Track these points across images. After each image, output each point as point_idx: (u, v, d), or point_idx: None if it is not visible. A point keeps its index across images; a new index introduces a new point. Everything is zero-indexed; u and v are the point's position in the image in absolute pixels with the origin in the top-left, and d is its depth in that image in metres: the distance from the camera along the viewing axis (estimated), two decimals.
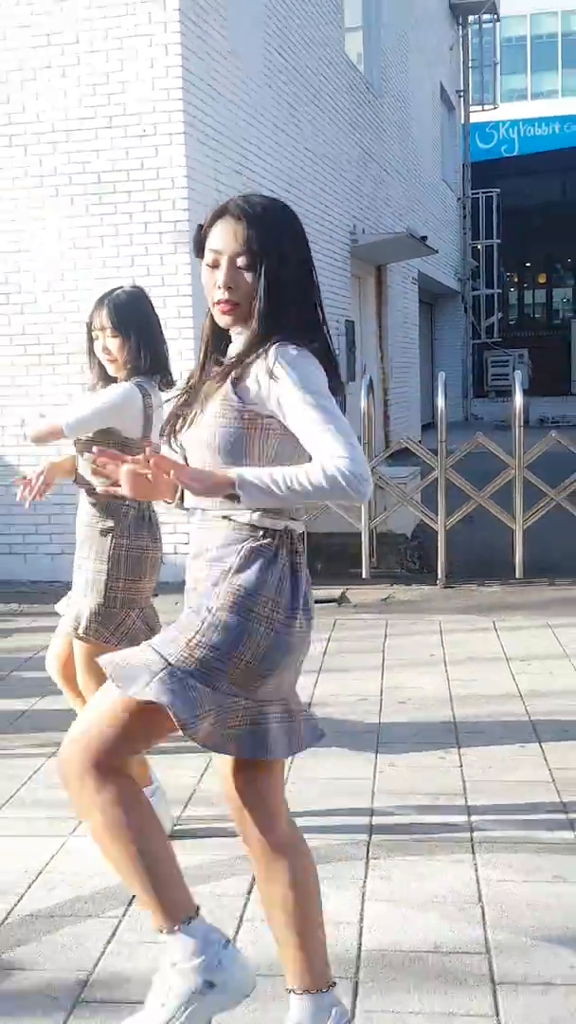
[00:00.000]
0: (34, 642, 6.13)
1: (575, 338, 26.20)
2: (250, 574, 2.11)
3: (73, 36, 7.51)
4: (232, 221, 2.13)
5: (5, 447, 7.86)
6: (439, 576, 7.45)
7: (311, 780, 3.89)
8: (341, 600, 7.07)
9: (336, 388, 2.17)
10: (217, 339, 2.27)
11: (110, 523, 3.45)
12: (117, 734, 2.10)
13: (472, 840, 3.46)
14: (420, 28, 18.08)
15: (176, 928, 2.13)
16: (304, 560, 2.23)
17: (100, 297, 3.50)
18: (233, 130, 8.48)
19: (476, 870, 3.24)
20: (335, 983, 2.28)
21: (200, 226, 2.19)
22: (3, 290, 7.80)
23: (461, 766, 4.12)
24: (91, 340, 3.51)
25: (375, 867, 3.28)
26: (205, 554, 2.18)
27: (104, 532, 3.44)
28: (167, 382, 3.55)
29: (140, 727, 2.12)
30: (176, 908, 2.14)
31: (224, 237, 2.13)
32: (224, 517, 2.15)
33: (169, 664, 2.07)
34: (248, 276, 2.12)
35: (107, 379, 3.53)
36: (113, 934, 2.91)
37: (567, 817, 3.62)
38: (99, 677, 3.44)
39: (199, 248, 2.19)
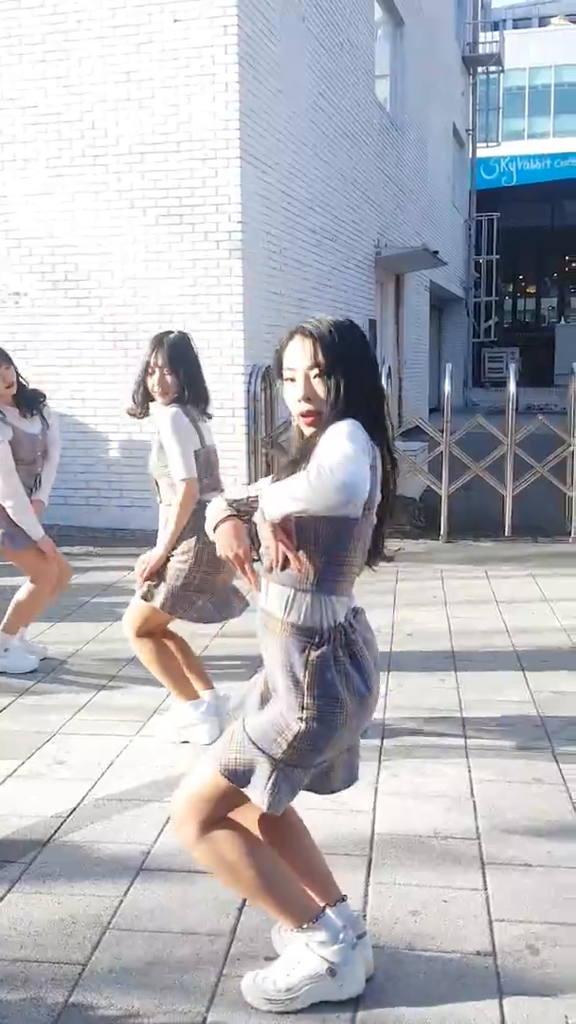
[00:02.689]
0: (105, 579, 6.14)
1: (559, 339, 25.76)
2: (322, 688, 1.95)
3: (149, 74, 7.37)
4: (302, 339, 1.97)
5: (87, 418, 7.83)
6: (442, 532, 7.38)
7: None
8: None
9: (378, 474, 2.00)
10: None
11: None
12: (217, 806, 2.02)
13: (466, 747, 3.42)
14: (437, 76, 17.69)
15: (306, 925, 2.05)
16: (359, 638, 2.04)
17: (157, 338, 3.44)
18: (280, 157, 8.33)
19: (469, 771, 3.21)
20: (344, 897, 2.15)
21: (277, 349, 2.04)
22: (86, 285, 7.73)
23: (458, 687, 4.08)
24: (147, 373, 3.42)
25: (386, 767, 3.25)
26: (273, 658, 2.02)
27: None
28: (205, 411, 3.51)
29: (237, 800, 2.04)
30: (302, 911, 2.06)
31: (297, 355, 1.97)
32: (276, 618, 1.99)
33: (275, 761, 1.96)
34: (321, 386, 1.95)
35: (146, 406, 3.47)
36: (169, 816, 2.90)
37: (544, 731, 3.58)
38: (148, 639, 3.44)
39: (279, 369, 2.03)
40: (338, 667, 1.97)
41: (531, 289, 33.10)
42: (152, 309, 7.57)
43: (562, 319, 30.47)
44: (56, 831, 2.81)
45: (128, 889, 2.50)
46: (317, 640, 1.97)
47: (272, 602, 2.01)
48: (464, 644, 4.70)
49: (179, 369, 3.39)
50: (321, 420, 1.97)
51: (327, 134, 9.95)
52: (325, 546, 1.96)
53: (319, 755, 1.99)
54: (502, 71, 24.23)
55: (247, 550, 2.01)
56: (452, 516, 7.44)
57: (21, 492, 4.13)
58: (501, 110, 26.38)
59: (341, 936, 2.06)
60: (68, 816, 2.90)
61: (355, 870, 2.57)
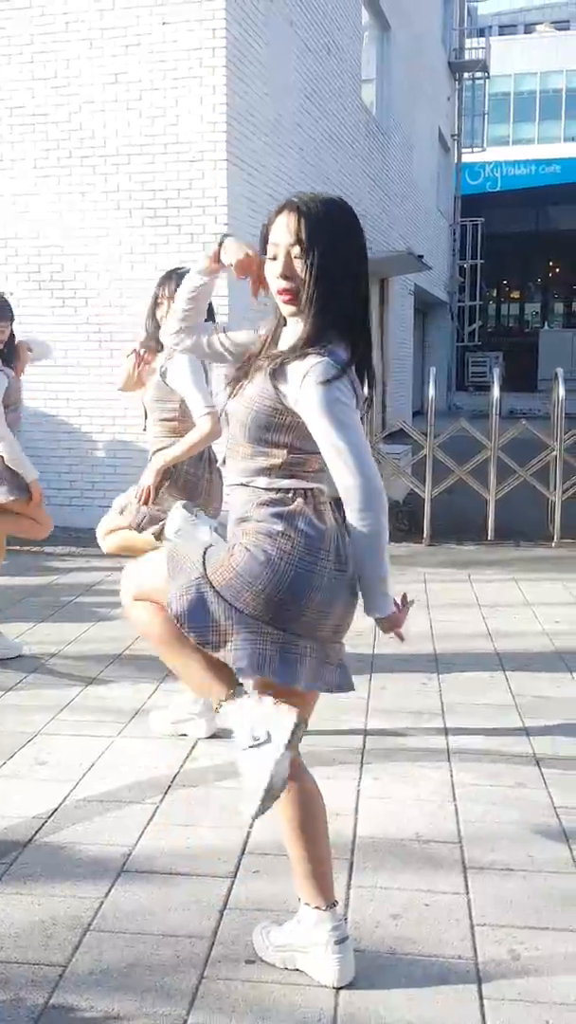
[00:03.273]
0: (88, 579, 6.11)
1: (542, 344, 25.90)
2: (272, 512, 1.95)
3: (137, 76, 7.36)
4: (288, 215, 1.93)
5: (71, 418, 7.80)
6: (425, 536, 7.40)
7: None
8: None
9: (362, 401, 2.00)
10: (283, 323, 2.08)
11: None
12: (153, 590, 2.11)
13: (448, 751, 3.43)
14: (423, 81, 17.74)
15: (231, 692, 2.04)
16: (333, 516, 1.99)
17: (168, 272, 3.57)
18: (266, 159, 8.33)
19: (451, 775, 3.22)
20: (336, 902, 2.15)
21: (264, 225, 2.01)
22: (72, 286, 7.71)
23: (440, 690, 4.09)
24: (155, 305, 3.56)
25: (368, 770, 3.25)
26: (234, 514, 2.04)
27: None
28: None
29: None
30: (226, 680, 2.05)
31: (281, 230, 1.93)
32: (243, 484, 2.01)
33: (201, 576, 1.95)
34: (303, 265, 1.92)
35: (156, 337, 3.50)
36: (151, 817, 2.89)
37: (526, 735, 3.59)
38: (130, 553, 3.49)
39: (263, 245, 1.99)
40: (296, 513, 1.94)
41: (515, 294, 33.27)
42: (138, 310, 7.53)
43: (546, 324, 30.63)
44: (37, 832, 2.79)
45: (109, 891, 2.49)
46: (292, 495, 1.97)
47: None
48: (447, 647, 4.71)
49: None
50: (299, 301, 1.95)
51: (313, 137, 9.96)
52: (294, 446, 1.99)
53: (243, 588, 1.91)
54: (488, 77, 24.40)
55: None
56: (435, 520, 7.46)
57: (12, 436, 4.23)
58: (486, 116, 26.52)
59: (330, 928, 2.09)
60: (49, 817, 2.88)
61: (336, 873, 2.55)
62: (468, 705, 3.91)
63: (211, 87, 7.23)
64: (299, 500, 1.97)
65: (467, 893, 2.50)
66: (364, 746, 3.45)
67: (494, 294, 32.22)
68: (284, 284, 1.95)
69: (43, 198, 7.68)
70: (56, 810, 2.93)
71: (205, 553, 2.00)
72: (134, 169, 7.47)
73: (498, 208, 26.97)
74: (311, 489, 2.00)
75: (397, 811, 2.95)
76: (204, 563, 1.98)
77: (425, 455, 7.48)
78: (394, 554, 6.99)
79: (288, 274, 1.95)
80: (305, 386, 1.90)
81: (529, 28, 40.99)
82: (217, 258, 2.10)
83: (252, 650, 1.93)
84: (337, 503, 1.99)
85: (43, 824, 2.84)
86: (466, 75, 23.42)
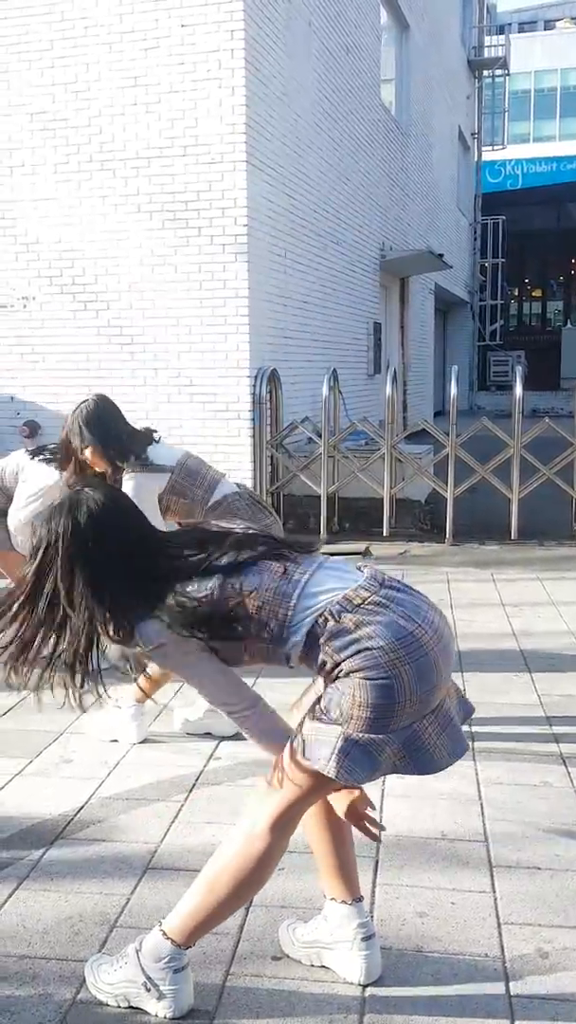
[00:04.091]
0: None
1: (564, 343, 25.72)
2: (351, 653, 1.85)
3: (156, 79, 7.40)
4: None
5: None
6: (447, 535, 7.38)
7: None
8: (366, 553, 7.03)
9: None
10: None
11: None
12: (296, 802, 1.95)
13: (473, 750, 3.42)
14: (443, 80, 17.71)
15: (173, 940, 2.00)
16: (379, 597, 1.90)
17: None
18: (285, 160, 8.36)
19: (477, 774, 3.21)
20: (362, 897, 2.17)
21: None
22: (93, 289, 7.76)
23: (464, 689, 4.07)
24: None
25: None
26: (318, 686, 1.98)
27: None
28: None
29: (315, 788, 1.94)
30: (191, 934, 2.02)
31: None
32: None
33: (342, 733, 1.85)
34: None
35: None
36: (176, 815, 2.91)
37: (552, 733, 3.58)
38: None
39: None
40: (353, 632, 1.85)
41: (537, 292, 33.06)
42: (158, 313, 7.59)
43: (568, 322, 30.43)
44: (63, 830, 2.82)
45: (135, 887, 2.51)
46: (329, 619, 1.88)
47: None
48: (471, 647, 4.70)
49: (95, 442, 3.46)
50: None
51: (332, 138, 9.97)
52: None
53: (387, 720, 1.84)
54: (508, 74, 24.26)
55: None
56: (458, 519, 7.44)
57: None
58: (507, 113, 26.36)
59: (168, 958, 1.99)
60: (75, 815, 2.91)
61: (362, 871, 2.56)
62: (493, 704, 3.90)
63: (230, 89, 7.26)
64: (346, 616, 1.88)
65: (494, 891, 2.50)
66: None
67: (515, 293, 32.05)
68: None
69: (63, 202, 7.74)
70: (82, 808, 2.96)
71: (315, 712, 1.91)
72: (153, 172, 7.51)
73: (519, 206, 26.81)
74: (330, 607, 1.90)
75: (422, 809, 2.95)
76: (326, 717, 1.89)
77: (447, 454, 7.46)
78: (417, 554, 7.00)
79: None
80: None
81: (549, 24, 40.77)
82: None
83: (429, 754, 1.93)
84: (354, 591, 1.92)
85: (69, 822, 2.87)
86: (486, 73, 23.33)
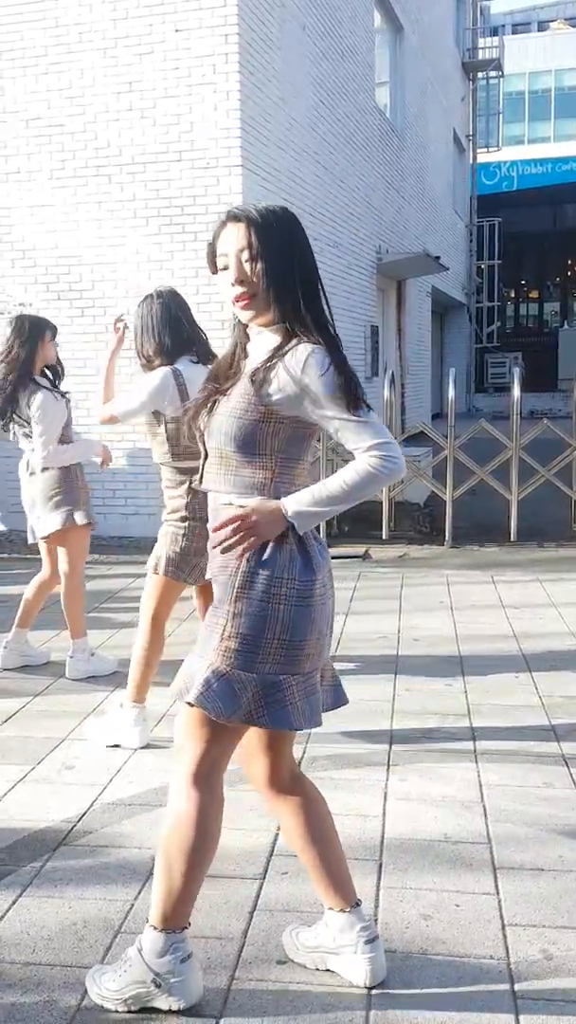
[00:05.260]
0: (111, 586, 6.16)
1: (562, 344, 25.77)
2: (258, 560, 1.94)
3: (151, 84, 7.42)
4: (234, 225, 1.95)
5: (91, 427, 7.85)
6: (447, 538, 7.39)
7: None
8: (365, 556, 7.03)
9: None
10: (247, 336, 2.07)
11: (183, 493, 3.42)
12: (205, 753, 2.00)
13: (475, 752, 3.43)
14: (437, 83, 17.76)
15: (161, 928, 2.02)
16: (314, 532, 2.02)
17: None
18: (281, 164, 8.38)
19: (479, 776, 3.22)
20: (359, 901, 2.15)
21: (209, 243, 2.01)
22: (90, 295, 7.77)
23: (465, 692, 4.09)
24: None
25: (394, 772, 3.26)
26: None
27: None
28: (204, 357, 3.49)
29: (213, 734, 1.99)
30: (174, 917, 2.02)
31: (228, 240, 1.95)
32: (228, 504, 1.99)
33: (210, 664, 1.95)
34: (254, 268, 1.93)
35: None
36: None
37: (554, 735, 3.58)
38: (156, 630, 3.46)
39: (212, 264, 2.00)
40: (281, 546, 1.94)
41: (534, 294, 33.13)
42: None
43: (565, 323, 30.49)
44: (66, 836, 2.82)
45: (139, 893, 2.51)
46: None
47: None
48: (471, 649, 4.70)
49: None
50: (255, 303, 1.97)
51: (327, 141, 9.99)
52: (282, 452, 1.99)
53: (254, 650, 1.92)
54: (502, 76, 24.35)
55: None
56: (457, 521, 7.45)
57: (71, 451, 4.39)
58: (501, 115, 26.46)
59: (171, 949, 2.01)
60: (78, 821, 2.91)
61: (366, 875, 2.58)
62: (494, 706, 3.90)
63: (225, 93, 7.29)
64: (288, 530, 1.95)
65: (497, 893, 2.50)
66: (390, 748, 3.45)
67: (512, 294, 32.11)
68: (239, 289, 1.96)
69: (59, 209, 7.75)
70: (84, 814, 2.96)
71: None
72: (149, 177, 7.53)
73: (515, 208, 26.89)
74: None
75: (425, 812, 2.96)
76: (202, 654, 1.98)
77: (446, 457, 7.47)
78: (416, 557, 7.01)
79: (241, 278, 1.95)
80: (304, 376, 1.92)
81: (543, 26, 40.88)
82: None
83: (285, 710, 1.96)
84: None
85: (72, 828, 2.87)
86: (480, 75, 23.40)
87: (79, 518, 4.28)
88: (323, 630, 2.02)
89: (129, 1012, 2.04)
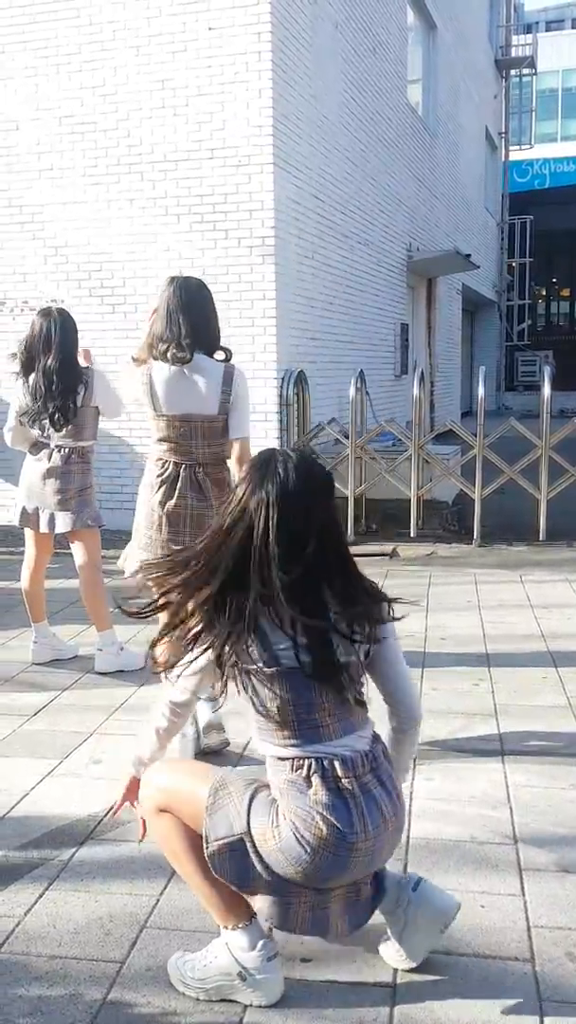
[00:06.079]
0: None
1: None
2: (291, 800, 1.96)
3: (184, 82, 7.43)
4: None
5: (122, 423, 7.87)
6: (475, 537, 7.34)
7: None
8: (392, 554, 7.01)
9: None
10: None
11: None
12: (181, 814, 2.08)
13: (502, 752, 3.40)
14: (470, 80, 17.64)
15: (230, 927, 2.07)
16: (359, 783, 1.99)
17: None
18: (313, 162, 8.36)
19: (505, 776, 3.19)
20: (250, 922, 2.09)
21: None
22: (121, 292, 7.80)
23: (492, 692, 4.06)
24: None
25: (420, 771, 3.24)
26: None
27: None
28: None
29: (195, 826, 2.05)
30: (229, 913, 2.07)
31: None
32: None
33: (245, 835, 1.97)
34: None
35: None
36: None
37: None
38: None
39: None
40: (307, 793, 1.96)
41: (565, 292, 32.81)
42: None
43: None
44: (93, 830, 2.83)
45: (165, 888, 2.51)
46: (291, 766, 2.00)
47: None
48: (499, 648, 4.67)
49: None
50: None
51: (359, 139, 9.96)
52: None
53: (276, 868, 1.97)
54: (535, 73, 24.14)
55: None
56: (485, 520, 7.40)
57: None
58: (534, 112, 26.24)
59: (260, 945, 2.04)
60: (104, 815, 2.92)
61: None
62: (521, 706, 3.87)
63: (257, 91, 7.28)
64: (315, 778, 1.97)
65: (523, 895, 2.48)
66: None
67: (543, 292, 31.84)
68: None
69: (92, 206, 7.79)
70: (111, 809, 2.96)
71: (250, 808, 2.00)
72: (181, 175, 7.54)
73: (546, 205, 26.62)
74: (322, 759, 1.99)
75: (451, 812, 2.94)
76: (249, 819, 1.98)
77: (475, 455, 7.42)
78: (444, 555, 6.97)
79: None
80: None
81: None
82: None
83: (286, 913, 2.01)
84: (347, 763, 2.00)
85: (98, 823, 2.88)
86: (513, 72, 23.24)
87: (101, 518, 4.48)
88: (357, 871, 2.02)
89: (198, 1000, 2.07)
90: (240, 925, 2.07)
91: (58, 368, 4.25)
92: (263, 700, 1.98)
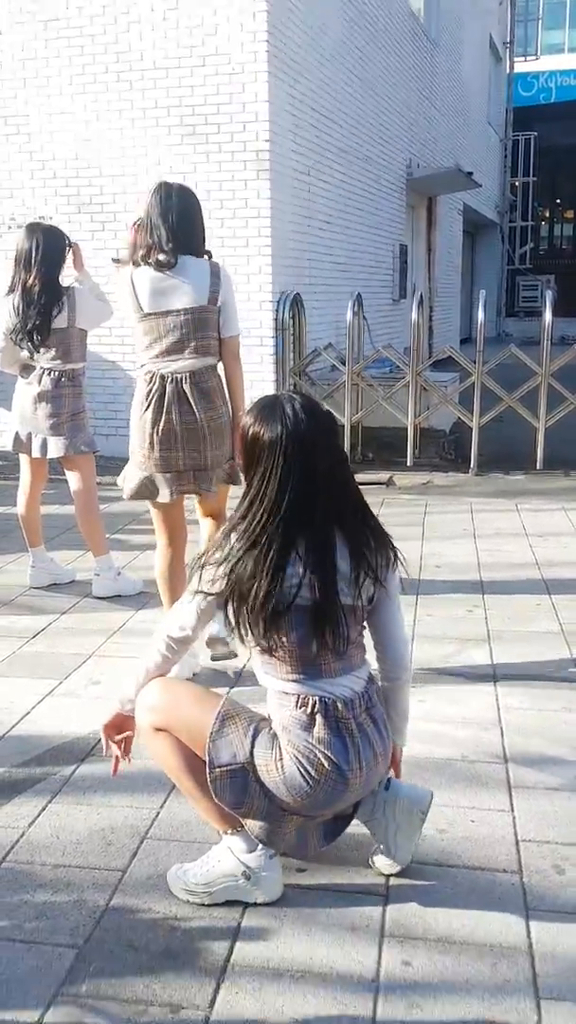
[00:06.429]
0: (136, 508, 6.21)
1: None
2: (294, 736, 2.10)
3: None
4: None
5: (114, 345, 7.84)
6: (472, 465, 7.40)
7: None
8: (389, 483, 7.07)
9: None
10: None
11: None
12: (180, 735, 2.19)
13: (494, 676, 3.52)
14: None
15: (231, 831, 2.22)
16: (356, 722, 2.13)
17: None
18: (310, 71, 8.16)
19: (497, 699, 3.31)
20: (243, 827, 2.23)
21: None
22: (111, 208, 7.69)
23: (486, 618, 4.17)
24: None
25: (414, 694, 3.29)
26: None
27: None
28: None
29: (195, 750, 2.17)
30: (229, 818, 2.20)
31: None
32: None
33: (248, 764, 2.10)
34: None
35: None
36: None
37: (573, 660, 3.66)
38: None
39: None
40: (311, 729, 2.10)
41: (569, 213, 32.30)
42: None
43: None
44: (93, 748, 2.94)
45: (165, 801, 2.64)
46: (294, 702, 2.12)
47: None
48: (493, 576, 4.77)
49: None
50: None
51: (358, 47, 9.70)
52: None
53: (276, 796, 2.11)
54: None
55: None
56: (483, 449, 7.45)
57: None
58: (541, 21, 25.43)
59: (260, 845, 2.20)
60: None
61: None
62: (515, 632, 3.98)
63: None
64: (318, 716, 2.10)
65: (512, 811, 2.60)
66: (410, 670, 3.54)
67: (547, 214, 31.34)
68: None
69: (79, 117, 7.63)
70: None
71: (254, 740, 2.12)
72: (172, 84, 7.37)
73: (552, 121, 26.01)
74: (326, 699, 2.12)
75: (443, 732, 3.06)
76: (252, 751, 2.11)
77: (473, 382, 7.44)
78: (440, 484, 7.03)
79: None
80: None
81: None
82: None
83: (275, 835, 2.17)
84: (347, 704, 2.13)
85: (99, 740, 2.97)
86: None
87: (95, 443, 4.53)
88: (347, 801, 2.19)
89: (192, 903, 2.21)
90: (239, 828, 2.20)
91: (37, 286, 4.24)
92: (269, 637, 2.08)
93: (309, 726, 2.09)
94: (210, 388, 3.39)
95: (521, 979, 1.97)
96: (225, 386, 3.47)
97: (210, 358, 3.40)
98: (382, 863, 2.32)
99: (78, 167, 7.71)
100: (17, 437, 4.46)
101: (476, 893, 2.26)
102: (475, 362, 7.39)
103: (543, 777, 2.78)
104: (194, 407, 3.34)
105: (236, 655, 3.52)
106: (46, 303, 4.25)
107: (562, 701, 3.29)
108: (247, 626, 2.08)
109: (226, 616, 2.10)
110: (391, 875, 2.31)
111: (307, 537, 2.05)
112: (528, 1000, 1.92)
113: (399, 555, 2.22)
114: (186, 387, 3.35)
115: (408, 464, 7.49)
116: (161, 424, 3.35)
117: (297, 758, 2.08)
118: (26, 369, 4.42)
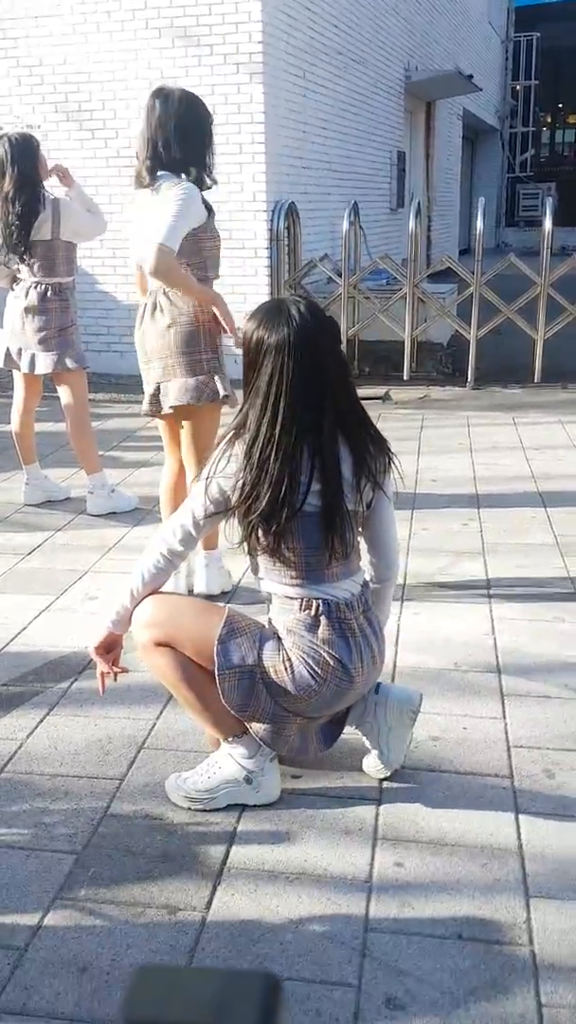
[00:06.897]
0: (130, 425, 6.17)
1: None
2: (299, 638, 2.11)
3: None
4: None
5: (106, 259, 7.66)
6: (469, 379, 7.31)
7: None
8: (385, 398, 6.98)
9: None
10: None
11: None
12: (183, 648, 2.16)
13: (488, 588, 3.52)
14: None
15: (231, 739, 2.24)
16: (357, 623, 2.15)
17: None
18: None
19: (491, 611, 3.31)
20: (245, 732, 2.23)
21: None
22: (100, 115, 7.42)
23: (481, 531, 4.15)
24: None
25: (408, 606, 3.35)
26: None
27: None
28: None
29: (199, 660, 2.15)
30: (228, 728, 2.23)
31: None
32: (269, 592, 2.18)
33: (256, 666, 2.10)
34: None
35: None
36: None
37: (567, 572, 3.66)
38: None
39: None
40: (315, 630, 2.11)
41: (572, 119, 31.29)
42: None
43: None
44: (90, 662, 2.93)
45: (161, 712, 2.65)
46: (299, 605, 2.13)
47: None
48: (489, 489, 4.74)
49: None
50: None
51: None
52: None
53: (281, 695, 2.12)
54: None
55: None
56: (480, 362, 7.34)
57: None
58: None
59: (260, 750, 2.23)
60: None
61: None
62: (510, 544, 3.97)
63: None
64: (322, 618, 2.11)
65: (504, 718, 2.62)
66: (404, 583, 3.54)
67: (548, 119, 30.36)
68: None
69: (67, 20, 7.30)
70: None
71: (261, 645, 2.12)
72: None
73: (556, 21, 24.98)
74: (329, 601, 2.13)
75: (437, 642, 3.07)
76: (260, 654, 2.11)
77: (472, 294, 7.29)
78: (437, 398, 6.95)
79: None
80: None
81: None
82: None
83: (279, 736, 2.18)
84: (348, 606, 2.15)
85: None
86: None
87: (86, 359, 4.42)
88: (347, 701, 2.23)
89: (186, 809, 2.23)
90: (238, 735, 2.23)
91: (14, 194, 4.10)
92: (279, 544, 2.07)
93: (313, 627, 2.11)
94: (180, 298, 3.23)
95: (511, 879, 2.01)
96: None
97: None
98: (374, 766, 2.35)
99: (66, 72, 7.41)
100: (8, 353, 4.38)
101: (468, 797, 2.28)
102: (473, 273, 7.23)
103: (535, 685, 2.79)
104: (158, 317, 3.22)
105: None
106: (26, 210, 4.11)
107: (555, 612, 3.29)
108: (257, 534, 2.06)
109: (241, 526, 2.09)
110: (384, 779, 2.33)
111: (313, 443, 2.03)
112: (518, 898, 1.95)
113: (394, 459, 2.20)
114: (161, 299, 3.21)
115: (405, 378, 7.40)
116: (139, 336, 3.34)
117: (303, 658, 2.10)
118: (16, 282, 4.31)
